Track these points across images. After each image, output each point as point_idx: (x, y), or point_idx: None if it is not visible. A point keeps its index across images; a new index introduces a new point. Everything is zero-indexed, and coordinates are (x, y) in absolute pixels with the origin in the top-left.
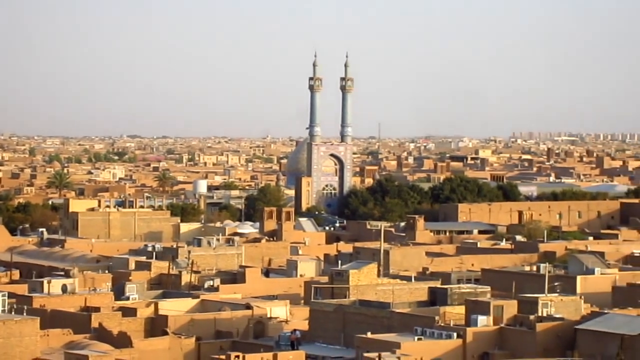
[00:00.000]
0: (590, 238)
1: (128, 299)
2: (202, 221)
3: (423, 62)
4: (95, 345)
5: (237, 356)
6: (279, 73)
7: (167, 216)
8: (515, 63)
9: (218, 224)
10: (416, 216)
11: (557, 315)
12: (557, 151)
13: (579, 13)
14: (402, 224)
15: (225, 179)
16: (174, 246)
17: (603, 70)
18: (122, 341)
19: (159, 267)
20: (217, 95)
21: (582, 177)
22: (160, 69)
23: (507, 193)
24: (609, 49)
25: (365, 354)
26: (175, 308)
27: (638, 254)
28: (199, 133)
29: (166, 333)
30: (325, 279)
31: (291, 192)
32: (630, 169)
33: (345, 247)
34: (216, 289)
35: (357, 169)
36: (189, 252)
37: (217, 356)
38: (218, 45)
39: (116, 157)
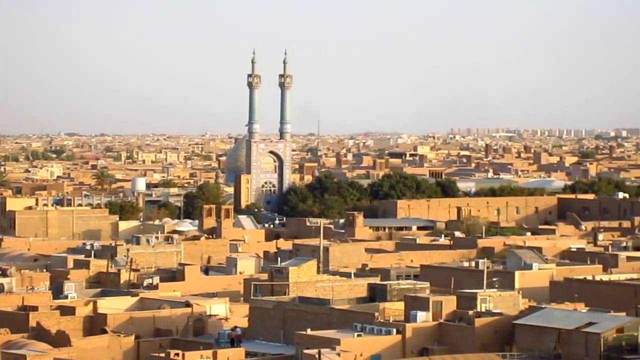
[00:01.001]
0: (528, 233)
1: (66, 297)
2: (141, 219)
3: (361, 58)
4: (33, 345)
5: (177, 354)
6: (218, 70)
7: (106, 214)
8: (454, 59)
9: (157, 222)
10: (355, 213)
11: (496, 311)
12: (495, 147)
13: (520, 9)
14: (342, 220)
15: (164, 177)
16: (113, 244)
17: (540, 67)
18: (60, 340)
19: (98, 265)
20: (156, 92)
21: (519, 173)
22: (99, 66)
23: (446, 189)
24: (546, 46)
25: (305, 351)
26: (114, 306)
27: (575, 249)
28: (137, 131)
29: (105, 331)
30: (264, 276)
31: (230, 190)
32: (567, 164)
33: (285, 244)
34: (155, 287)
35: (296, 166)
36: (128, 250)
37: (156, 354)
38: (156, 42)
39: (54, 155)
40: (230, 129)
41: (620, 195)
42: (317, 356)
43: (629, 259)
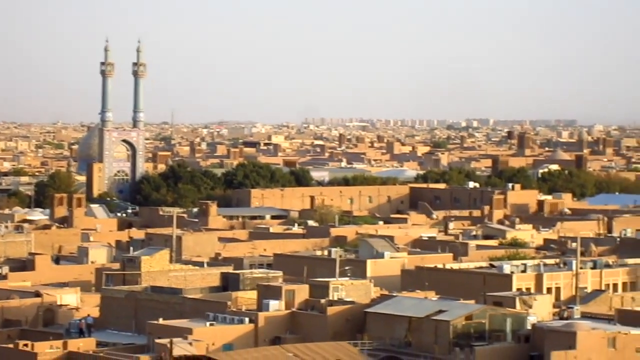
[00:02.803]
0: (381, 222)
1: None
2: None
3: (216, 47)
4: None
5: (26, 344)
6: (70, 57)
7: None
8: (307, 48)
9: (7, 211)
10: (209, 202)
11: (348, 299)
12: (348, 137)
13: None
14: (195, 209)
15: (14, 165)
16: None
17: (391, 58)
18: None
19: None
20: (6, 79)
21: (372, 162)
22: None
23: (300, 178)
24: (398, 37)
25: (157, 340)
26: None
27: (426, 238)
28: None
29: None
30: (116, 265)
31: (82, 179)
32: (419, 154)
33: (138, 234)
34: (4, 277)
35: (150, 155)
36: None
37: (5, 345)
38: (8, 28)
39: None
40: (83, 117)
41: (471, 184)
42: (169, 346)
43: (478, 247)
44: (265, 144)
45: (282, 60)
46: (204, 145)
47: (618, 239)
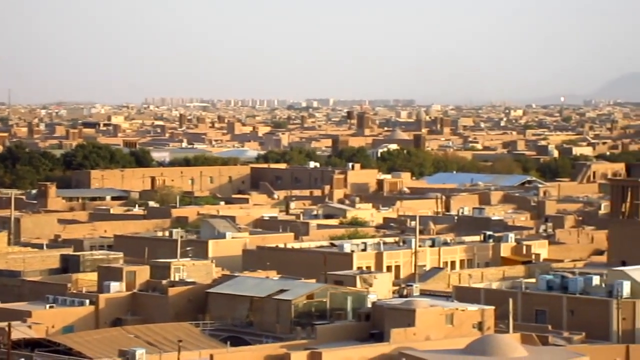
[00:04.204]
0: (222, 203)
1: None
2: None
3: (54, 26)
4: None
5: None
6: None
7: None
8: (145, 29)
9: None
10: (48, 183)
11: (189, 280)
12: (189, 117)
13: None
14: (34, 191)
15: None
16: None
17: (232, 39)
18: None
19: None
20: None
21: (213, 142)
22: None
23: (140, 159)
24: (236, 18)
25: None
26: None
27: (268, 218)
28: None
29: None
30: None
31: None
32: (260, 134)
33: None
34: None
35: None
36: None
37: None
38: None
39: None
40: None
41: (311, 164)
42: (7, 329)
43: (319, 226)
44: (105, 125)
45: (121, 40)
46: (42, 126)
47: (456, 217)
